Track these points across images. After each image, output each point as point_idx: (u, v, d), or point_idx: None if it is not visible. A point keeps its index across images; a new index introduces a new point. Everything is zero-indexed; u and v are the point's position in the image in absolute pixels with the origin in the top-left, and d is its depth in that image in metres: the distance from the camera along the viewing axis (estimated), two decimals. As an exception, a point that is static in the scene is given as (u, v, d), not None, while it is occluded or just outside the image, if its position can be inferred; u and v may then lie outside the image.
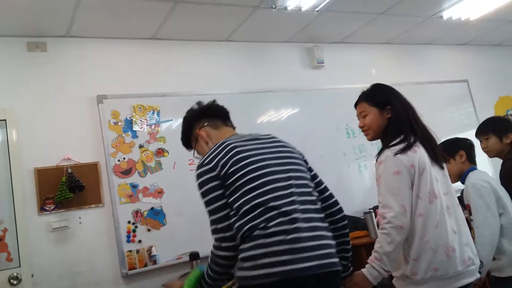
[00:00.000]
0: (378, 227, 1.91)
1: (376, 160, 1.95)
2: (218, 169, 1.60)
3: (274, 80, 4.41)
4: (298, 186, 1.61)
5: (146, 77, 3.86)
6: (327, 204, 1.78)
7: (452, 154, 2.50)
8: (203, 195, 1.63)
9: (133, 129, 3.63)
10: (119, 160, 3.53)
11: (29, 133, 3.35)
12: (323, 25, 4.36)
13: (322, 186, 1.80)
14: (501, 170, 2.70)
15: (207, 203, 1.62)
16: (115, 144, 3.54)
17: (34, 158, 3.31)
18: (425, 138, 1.97)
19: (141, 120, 3.68)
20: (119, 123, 3.60)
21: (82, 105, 3.58)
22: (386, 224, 1.79)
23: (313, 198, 1.66)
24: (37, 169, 3.30)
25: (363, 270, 1.84)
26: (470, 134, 2.89)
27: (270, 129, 4.27)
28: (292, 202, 1.54)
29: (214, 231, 1.60)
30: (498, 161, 2.75)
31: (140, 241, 3.44)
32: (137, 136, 3.64)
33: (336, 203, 1.81)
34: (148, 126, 3.70)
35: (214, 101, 2.03)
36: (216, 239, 1.59)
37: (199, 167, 1.66)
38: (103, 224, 3.41)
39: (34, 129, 3.38)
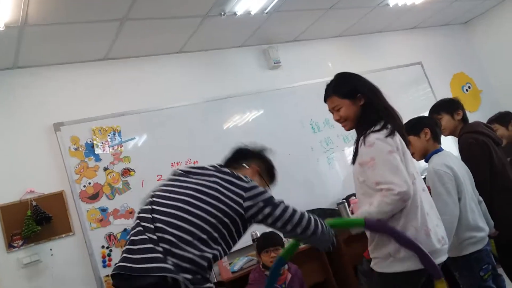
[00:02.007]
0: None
1: (363, 144, 1.93)
2: None
3: (233, 85, 4.42)
4: None
5: (102, 99, 3.80)
6: None
7: (417, 131, 2.54)
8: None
9: (95, 152, 3.58)
10: (84, 186, 3.47)
11: (-14, 170, 3.26)
12: (275, 26, 4.40)
13: None
14: (459, 146, 2.78)
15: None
16: (78, 170, 3.48)
17: (-4, 195, 3.22)
18: (398, 122, 2.01)
19: (102, 143, 3.63)
20: (80, 148, 3.54)
21: (40, 135, 3.50)
22: (394, 196, 1.80)
23: None
24: (0, 206, 3.21)
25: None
26: (430, 114, 2.94)
27: (238, 134, 4.34)
28: None
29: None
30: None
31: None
32: (100, 159, 3.58)
33: None
34: (111, 148, 3.65)
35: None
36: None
37: None
38: (76, 252, 3.35)
39: (-8, 165, 3.29)
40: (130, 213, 3.54)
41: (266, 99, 4.44)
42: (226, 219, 1.62)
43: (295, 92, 4.54)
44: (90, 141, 3.59)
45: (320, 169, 4.45)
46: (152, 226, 1.58)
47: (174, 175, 1.83)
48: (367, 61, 5.25)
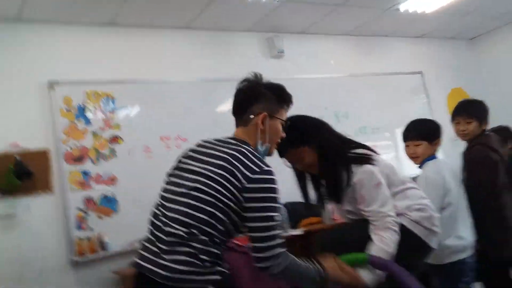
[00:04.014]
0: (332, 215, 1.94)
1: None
2: None
3: (234, 68, 4.37)
4: None
5: (101, 64, 3.77)
6: None
7: (432, 139, 2.51)
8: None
9: (86, 116, 3.57)
10: (70, 147, 3.46)
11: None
12: (283, 15, 4.38)
13: None
14: (469, 153, 2.70)
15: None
16: (66, 130, 3.47)
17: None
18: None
19: (95, 107, 3.61)
20: (72, 110, 3.53)
21: (34, 90, 3.48)
22: (394, 223, 1.81)
23: None
24: (-16, 155, 3.20)
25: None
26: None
27: (231, 118, 4.27)
28: None
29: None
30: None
31: (91, 229, 3.41)
32: (90, 123, 3.57)
33: None
34: (102, 113, 3.63)
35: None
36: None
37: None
38: (53, 211, 3.36)
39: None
40: (112, 180, 3.55)
41: (263, 87, 4.41)
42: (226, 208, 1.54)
43: (295, 84, 4.38)
44: (83, 104, 3.57)
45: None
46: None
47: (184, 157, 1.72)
48: (370, 63, 5.26)
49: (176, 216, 1.53)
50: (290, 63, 4.72)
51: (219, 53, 4.41)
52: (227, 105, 4.21)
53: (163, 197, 1.64)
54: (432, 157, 2.53)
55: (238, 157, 1.57)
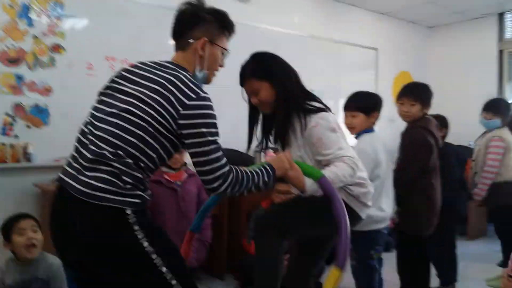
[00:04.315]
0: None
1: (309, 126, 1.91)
2: None
3: (195, 2, 4.22)
4: None
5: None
6: None
7: (369, 112, 2.58)
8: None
9: (30, 16, 3.30)
10: (7, 47, 3.21)
11: None
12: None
13: None
14: (407, 133, 2.86)
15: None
16: (6, 28, 3.20)
17: None
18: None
19: (41, 9, 3.35)
20: (15, 7, 3.24)
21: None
22: (352, 161, 1.84)
23: None
24: None
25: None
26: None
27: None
28: None
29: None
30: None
31: (16, 136, 3.24)
32: (33, 25, 3.31)
33: None
34: (48, 18, 3.38)
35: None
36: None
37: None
38: (-23, 110, 3.15)
39: None
40: (47, 90, 3.36)
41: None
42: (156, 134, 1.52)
43: (256, 32, 4.43)
44: (28, 3, 3.29)
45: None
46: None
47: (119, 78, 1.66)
48: (330, 29, 5.27)
49: (104, 135, 1.50)
50: (255, 10, 4.61)
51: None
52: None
53: (92, 116, 1.59)
54: (368, 130, 2.61)
55: (175, 82, 1.54)
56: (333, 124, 1.90)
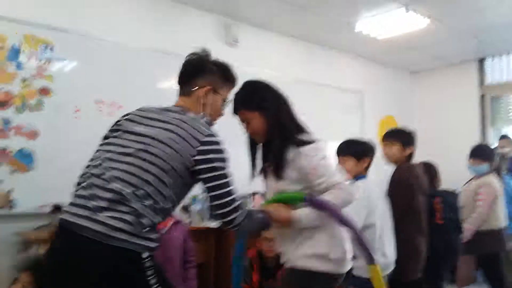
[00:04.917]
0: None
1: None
2: None
3: (183, 45, 4.25)
4: None
5: (47, 7, 3.47)
6: None
7: (360, 157, 2.59)
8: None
9: (19, 59, 3.27)
10: (-5, 90, 3.17)
11: None
12: (244, 2, 4.31)
13: None
14: (394, 173, 2.88)
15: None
16: (-6, 70, 3.17)
17: None
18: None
19: (30, 52, 3.33)
20: (5, 49, 3.22)
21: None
22: (346, 187, 1.85)
23: None
24: None
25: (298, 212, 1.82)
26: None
27: (170, 94, 4.12)
28: None
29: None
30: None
31: (0, 181, 3.15)
32: (22, 68, 3.28)
33: None
34: (38, 60, 3.36)
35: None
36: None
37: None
38: (-39, 155, 3.05)
39: None
40: (34, 134, 3.30)
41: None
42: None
43: (241, 75, 4.43)
44: (18, 46, 3.27)
45: (239, 158, 4.41)
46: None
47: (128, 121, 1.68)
48: (315, 72, 5.38)
49: (120, 175, 1.50)
50: (242, 54, 4.67)
51: (172, 26, 4.26)
52: (170, 80, 4.08)
53: (101, 158, 1.58)
54: (361, 176, 2.61)
55: (188, 120, 1.63)
56: (323, 153, 1.88)
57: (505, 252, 3.72)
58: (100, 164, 1.56)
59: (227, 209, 1.61)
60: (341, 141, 2.72)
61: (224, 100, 1.86)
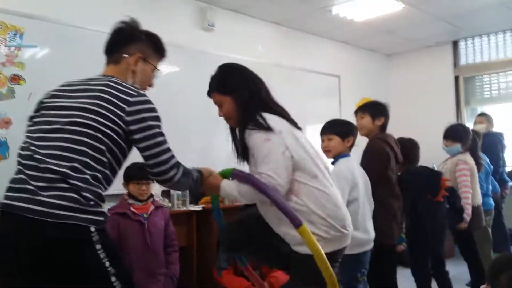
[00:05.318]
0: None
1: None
2: None
3: (160, 32, 4.16)
4: None
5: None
6: None
7: (344, 136, 2.65)
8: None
9: (-13, 46, 3.19)
10: (-37, 78, 3.08)
11: None
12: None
13: None
14: (367, 146, 2.96)
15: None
16: (-39, 58, 3.08)
17: None
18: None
19: (-1, 39, 3.24)
20: (-29, 36, 3.13)
21: None
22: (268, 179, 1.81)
23: None
24: None
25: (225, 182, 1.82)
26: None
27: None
28: None
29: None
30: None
31: (-27, 172, 3.08)
32: (-10, 55, 3.20)
33: None
34: (7, 48, 3.27)
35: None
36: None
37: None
38: None
39: None
40: (6, 122, 3.22)
41: (188, 57, 4.28)
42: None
43: (220, 60, 4.38)
44: (-14, 33, 3.19)
45: (218, 141, 4.18)
46: None
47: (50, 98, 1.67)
48: (293, 57, 5.37)
49: (54, 152, 1.47)
50: (219, 39, 4.64)
51: (147, 11, 4.18)
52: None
53: (31, 138, 1.55)
54: (344, 154, 2.68)
55: (112, 85, 1.60)
56: (266, 146, 1.78)
57: (481, 228, 3.81)
58: (30, 146, 1.53)
59: (166, 166, 1.58)
60: (320, 125, 2.78)
61: (153, 71, 1.83)
